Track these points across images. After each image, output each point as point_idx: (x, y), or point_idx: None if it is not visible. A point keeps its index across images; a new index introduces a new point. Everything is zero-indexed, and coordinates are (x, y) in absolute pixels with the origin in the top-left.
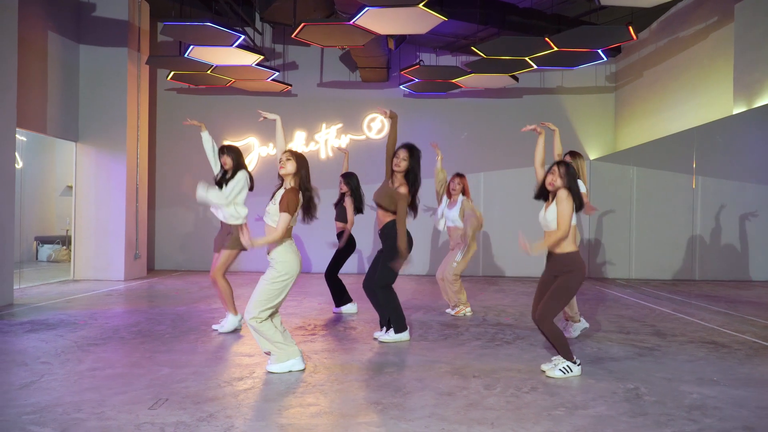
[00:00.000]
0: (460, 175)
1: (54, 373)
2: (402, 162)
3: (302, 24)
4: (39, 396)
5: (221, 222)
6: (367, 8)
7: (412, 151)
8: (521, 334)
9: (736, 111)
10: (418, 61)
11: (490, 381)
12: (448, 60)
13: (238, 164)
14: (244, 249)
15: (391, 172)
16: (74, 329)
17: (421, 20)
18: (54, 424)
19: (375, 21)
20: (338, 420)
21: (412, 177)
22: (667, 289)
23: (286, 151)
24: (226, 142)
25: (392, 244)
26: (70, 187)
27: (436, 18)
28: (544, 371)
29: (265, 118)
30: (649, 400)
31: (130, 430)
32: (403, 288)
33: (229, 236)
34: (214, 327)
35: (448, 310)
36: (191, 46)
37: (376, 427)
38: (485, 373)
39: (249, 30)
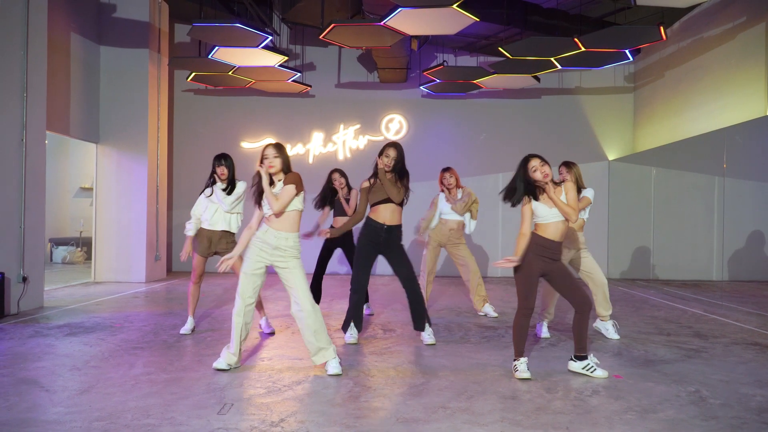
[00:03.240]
0: (448, 169)
1: (109, 378)
2: (391, 161)
3: (332, 25)
4: (102, 401)
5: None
6: (400, 9)
7: (398, 148)
8: (563, 336)
9: None
10: (442, 61)
11: (549, 384)
12: (466, 60)
13: (234, 176)
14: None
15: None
16: (113, 332)
17: (452, 21)
18: (127, 430)
19: (406, 22)
20: (412, 426)
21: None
22: (690, 290)
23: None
24: (244, 144)
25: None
26: (84, 189)
27: (468, 18)
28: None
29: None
30: (714, 403)
31: None
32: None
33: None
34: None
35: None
36: (216, 47)
37: None
38: (541, 376)
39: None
